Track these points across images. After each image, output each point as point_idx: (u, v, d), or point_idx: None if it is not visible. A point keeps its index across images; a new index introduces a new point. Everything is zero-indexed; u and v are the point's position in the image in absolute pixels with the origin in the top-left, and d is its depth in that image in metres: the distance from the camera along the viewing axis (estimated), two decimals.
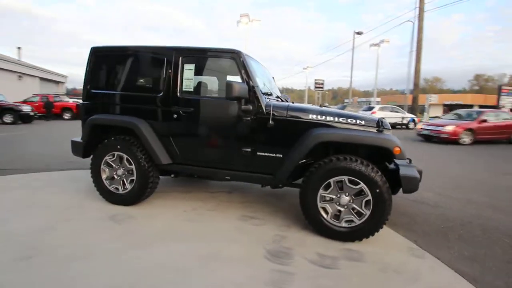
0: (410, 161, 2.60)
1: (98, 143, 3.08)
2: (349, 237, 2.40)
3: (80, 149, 3.15)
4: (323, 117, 2.56)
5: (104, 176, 3.03)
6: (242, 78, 2.66)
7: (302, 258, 2.14)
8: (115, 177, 3.02)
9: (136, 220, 2.71)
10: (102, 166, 3.01)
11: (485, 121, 9.89)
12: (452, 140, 9.58)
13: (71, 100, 19.55)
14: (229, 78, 2.89)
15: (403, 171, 2.32)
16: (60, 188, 3.55)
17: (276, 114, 2.60)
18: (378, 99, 51.37)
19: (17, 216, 2.69)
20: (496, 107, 26.03)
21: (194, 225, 2.67)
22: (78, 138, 3.31)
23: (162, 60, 2.87)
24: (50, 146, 7.02)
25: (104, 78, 3.12)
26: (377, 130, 2.51)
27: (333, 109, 2.90)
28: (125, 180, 2.98)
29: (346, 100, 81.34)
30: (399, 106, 20.13)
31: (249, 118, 2.64)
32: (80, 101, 3.86)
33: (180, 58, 2.81)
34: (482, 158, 7.35)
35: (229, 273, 1.91)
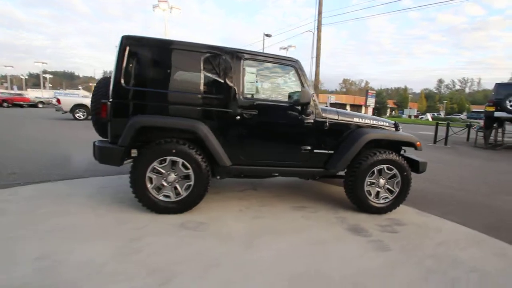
0: (405, 151, 3.62)
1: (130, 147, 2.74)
2: (385, 210, 3.18)
3: (116, 155, 2.69)
4: (363, 120, 3.23)
5: (150, 185, 2.73)
6: (302, 84, 2.99)
7: (373, 230, 2.76)
8: (165, 184, 2.77)
9: (209, 224, 2.66)
10: (148, 174, 2.71)
11: None
12: None
13: None
14: (282, 83, 3.15)
15: (417, 158, 3.28)
16: (58, 206, 2.87)
17: (330, 117, 3.09)
18: None
19: (59, 244, 2.15)
20: (363, 106, 34.70)
21: (265, 221, 2.85)
22: (102, 142, 2.80)
23: (221, 60, 2.83)
24: None
25: (145, 74, 2.76)
26: (395, 129, 3.38)
27: (363, 113, 3.59)
28: (178, 186, 2.79)
29: None
30: None
31: (309, 121, 3.01)
32: None
33: (242, 61, 2.86)
34: None
35: (348, 249, 2.34)
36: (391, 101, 55.95)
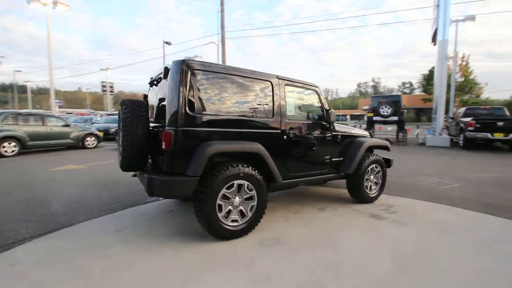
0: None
1: None
2: (375, 199, 4.20)
3: (189, 186, 2.51)
4: (356, 132, 4.16)
5: (220, 213, 2.70)
6: (321, 105, 3.62)
7: (382, 213, 3.67)
8: (232, 209, 2.79)
9: (283, 238, 2.89)
10: (218, 201, 2.68)
11: None
12: None
13: None
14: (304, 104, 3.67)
15: (389, 157, 4.48)
16: (111, 260, 2.42)
17: (340, 131, 3.85)
18: None
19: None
20: None
21: (315, 224, 3.29)
22: (161, 175, 2.55)
23: (268, 86, 3.10)
24: None
25: (207, 99, 2.70)
26: (371, 136, 4.49)
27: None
28: (243, 208, 2.86)
29: None
30: None
31: (329, 136, 3.67)
32: None
33: (284, 86, 3.22)
34: None
35: (388, 230, 3.11)
36: None
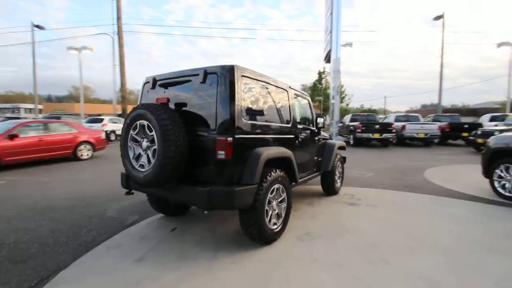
0: None
1: None
2: (338, 191, 5.06)
3: (251, 195, 2.46)
4: (326, 135, 4.89)
5: (267, 218, 2.76)
6: (311, 114, 4.12)
7: (354, 201, 4.52)
8: (272, 212, 2.89)
9: (312, 232, 3.19)
10: (266, 207, 2.73)
11: (16, 136, 7.35)
12: None
13: None
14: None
15: (344, 155, 5.46)
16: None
17: (322, 135, 4.46)
18: (40, 106, 44.25)
19: None
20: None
21: (320, 217, 3.75)
22: (223, 187, 2.39)
23: (286, 94, 3.34)
24: None
25: (253, 106, 2.72)
26: (330, 138, 5.35)
27: None
28: (278, 211, 2.99)
29: None
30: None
31: (316, 139, 4.21)
32: None
33: (293, 94, 3.51)
34: None
35: (370, 213, 3.92)
36: None
